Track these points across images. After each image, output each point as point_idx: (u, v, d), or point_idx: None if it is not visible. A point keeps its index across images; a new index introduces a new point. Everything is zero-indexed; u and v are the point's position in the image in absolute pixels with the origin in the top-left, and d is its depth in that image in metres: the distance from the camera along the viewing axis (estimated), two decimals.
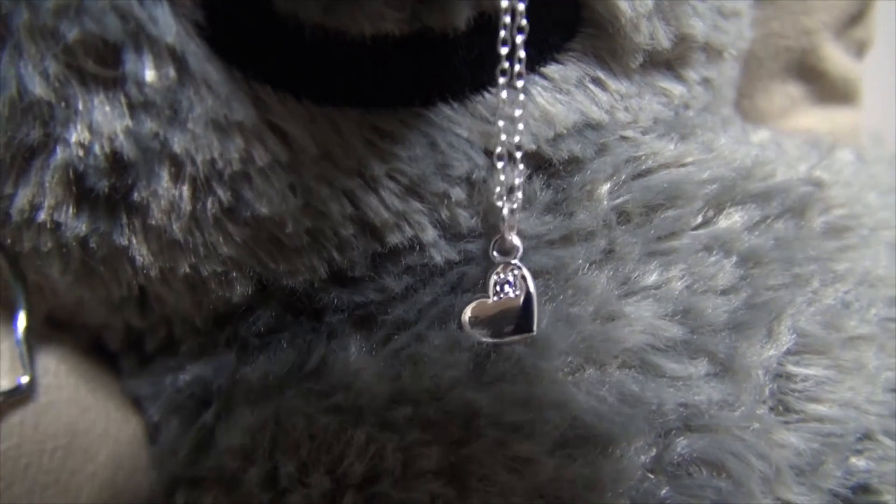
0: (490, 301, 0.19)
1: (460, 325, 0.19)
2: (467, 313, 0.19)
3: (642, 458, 0.18)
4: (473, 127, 0.19)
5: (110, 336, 0.24)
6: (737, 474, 0.17)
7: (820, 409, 0.18)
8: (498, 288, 0.19)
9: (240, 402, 0.21)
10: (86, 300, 0.22)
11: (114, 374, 0.26)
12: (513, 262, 0.19)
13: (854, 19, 0.32)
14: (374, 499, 0.18)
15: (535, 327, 0.19)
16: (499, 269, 0.20)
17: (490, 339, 0.19)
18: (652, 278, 0.20)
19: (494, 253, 0.20)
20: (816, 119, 0.33)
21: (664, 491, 0.17)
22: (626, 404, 0.18)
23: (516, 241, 0.19)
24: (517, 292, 0.19)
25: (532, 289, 0.19)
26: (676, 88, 0.22)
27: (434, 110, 0.19)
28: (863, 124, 0.35)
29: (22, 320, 0.21)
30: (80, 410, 0.24)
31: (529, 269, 0.20)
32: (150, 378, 0.24)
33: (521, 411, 0.18)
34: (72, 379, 0.24)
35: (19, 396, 0.20)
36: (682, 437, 0.18)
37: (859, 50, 0.33)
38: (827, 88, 0.32)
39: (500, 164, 0.19)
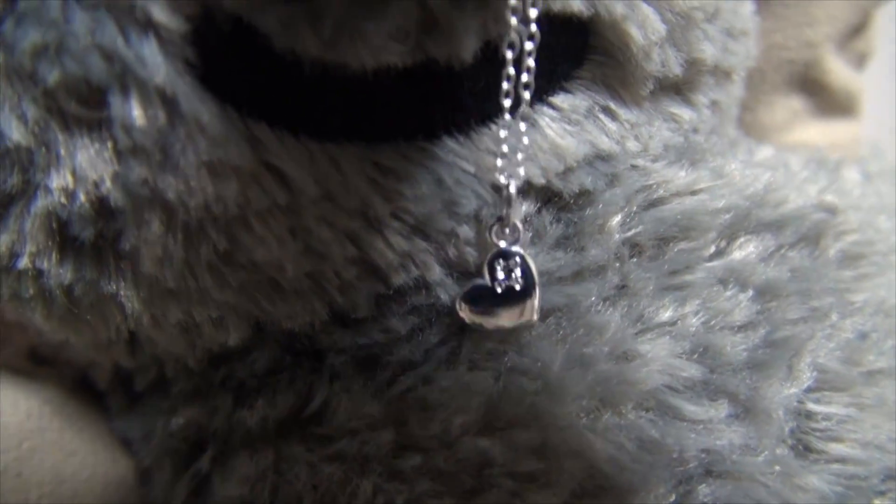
0: (488, 286, 0.19)
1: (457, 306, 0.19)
2: (462, 297, 0.18)
3: None
4: (480, 161, 0.18)
5: (97, 375, 0.23)
6: None
7: (842, 449, 0.18)
8: (498, 274, 0.19)
9: (237, 448, 0.20)
10: (71, 342, 0.21)
11: (101, 413, 0.25)
12: (514, 248, 0.19)
13: (856, 31, 0.31)
14: None
15: (536, 315, 0.18)
16: (497, 254, 0.19)
17: (486, 325, 0.18)
18: (667, 314, 0.19)
19: (493, 237, 0.19)
20: (817, 132, 0.32)
21: None
22: (646, 451, 0.17)
23: (519, 224, 0.18)
24: (519, 279, 0.18)
25: (535, 275, 0.18)
26: (686, 113, 0.21)
27: (439, 145, 0.18)
28: (862, 135, 0.34)
29: None
30: (65, 455, 0.22)
31: (540, 308, 0.19)
32: (140, 419, 0.22)
33: (535, 460, 0.17)
34: (56, 421, 0.23)
35: None
36: (703, 485, 0.17)
37: (860, 61, 0.32)
38: (829, 101, 0.32)
39: (499, 162, 0.18)
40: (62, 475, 0.22)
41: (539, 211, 0.19)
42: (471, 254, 0.19)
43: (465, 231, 0.18)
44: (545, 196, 0.19)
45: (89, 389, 0.25)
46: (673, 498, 0.17)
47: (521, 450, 0.17)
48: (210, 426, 0.21)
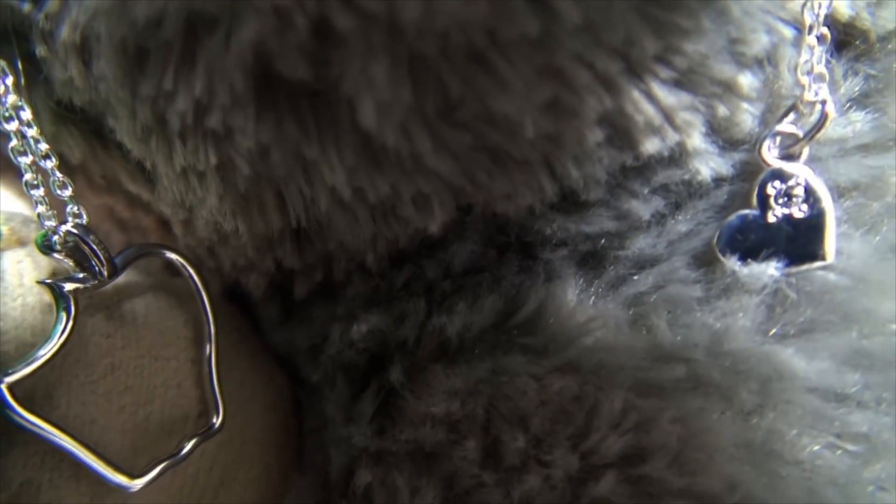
0: (758, 218, 0.15)
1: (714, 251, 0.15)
2: (721, 233, 0.15)
3: None
4: None
5: (253, 281, 0.20)
6: None
7: None
8: (773, 201, 0.15)
9: (432, 360, 0.17)
10: (232, 237, 0.18)
11: (251, 327, 0.22)
12: (794, 166, 0.15)
13: None
14: (642, 482, 0.14)
15: (829, 254, 0.14)
16: (773, 176, 0.15)
17: (759, 270, 0.14)
18: None
19: (768, 152, 0.15)
20: None
21: None
22: None
23: (824, 78, 0.14)
24: (802, 207, 0.15)
25: (826, 202, 0.14)
26: None
27: None
28: None
29: (212, 353, 0.18)
30: (225, 370, 0.20)
31: (831, 185, 0.15)
32: (306, 329, 0.20)
33: (849, 373, 0.13)
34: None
35: (210, 436, 0.17)
36: None
37: None
38: None
39: (810, 38, 0.14)
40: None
41: (830, 59, 0.15)
42: (747, 112, 0.15)
43: (748, 80, 0.14)
44: (841, 39, 0.15)
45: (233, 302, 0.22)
46: None
47: (825, 359, 0.14)
48: (397, 335, 0.18)
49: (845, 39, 0.15)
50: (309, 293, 0.20)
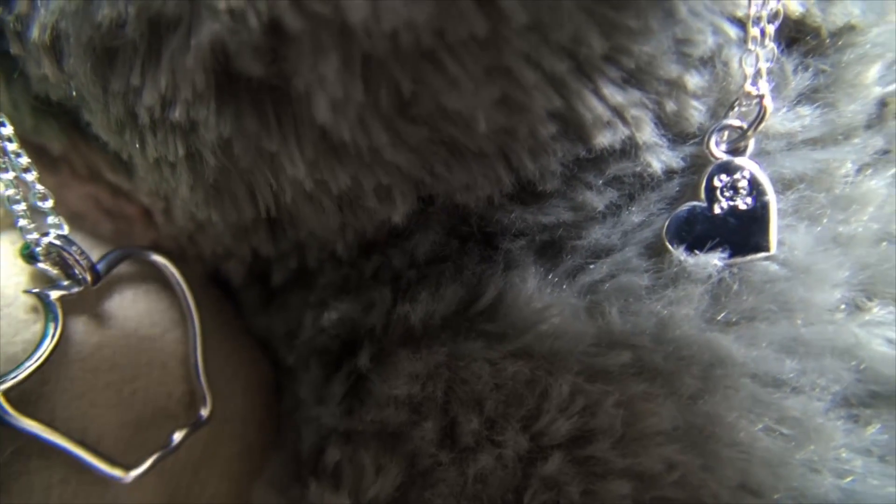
0: (705, 210, 0.15)
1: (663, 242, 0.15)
2: (670, 224, 0.15)
3: None
4: None
5: (233, 268, 0.21)
6: None
7: None
8: (720, 194, 0.15)
9: (398, 346, 0.18)
10: (208, 225, 0.19)
11: (235, 311, 0.23)
12: (740, 159, 0.15)
13: None
14: (587, 462, 0.15)
15: (772, 245, 0.15)
16: (720, 169, 0.15)
17: (705, 261, 0.15)
18: None
19: (715, 146, 0.15)
20: None
21: None
22: None
23: (765, 79, 0.15)
24: (746, 199, 0.15)
25: (770, 195, 0.15)
26: None
27: None
28: None
29: (197, 347, 0.19)
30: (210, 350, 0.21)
31: (778, 177, 0.15)
32: (282, 315, 0.20)
33: (786, 359, 0.14)
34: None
35: (199, 427, 0.18)
36: None
37: None
38: None
39: (754, 30, 0.14)
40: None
41: (780, 55, 0.15)
42: (694, 109, 0.15)
43: (694, 79, 0.15)
44: (790, 35, 0.15)
45: (220, 288, 0.23)
46: None
47: (764, 346, 0.14)
48: (365, 322, 0.18)
49: (796, 36, 0.15)
50: (285, 280, 0.21)
